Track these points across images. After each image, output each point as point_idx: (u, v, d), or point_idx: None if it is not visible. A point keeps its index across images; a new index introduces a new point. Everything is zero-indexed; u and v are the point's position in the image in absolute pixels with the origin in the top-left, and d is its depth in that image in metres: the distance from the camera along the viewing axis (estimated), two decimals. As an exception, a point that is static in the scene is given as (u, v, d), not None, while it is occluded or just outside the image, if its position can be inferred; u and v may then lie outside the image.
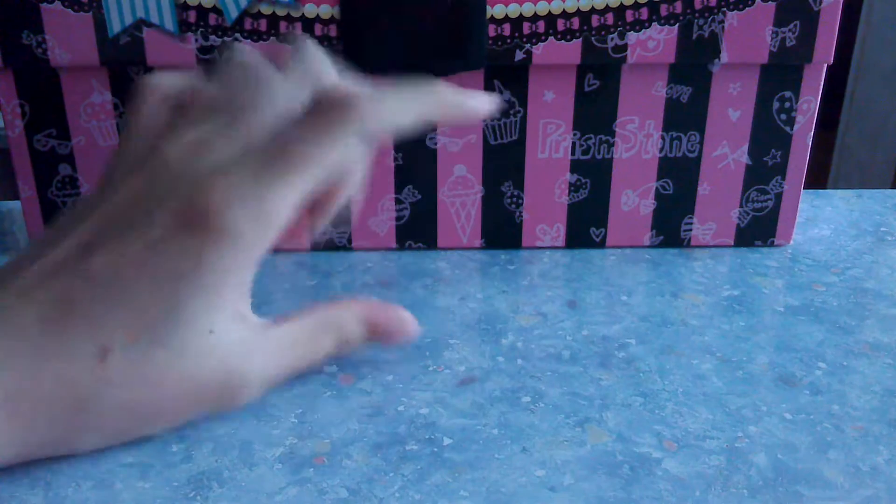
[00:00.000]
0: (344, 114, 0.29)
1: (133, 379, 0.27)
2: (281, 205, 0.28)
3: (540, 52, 0.39)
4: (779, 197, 0.43)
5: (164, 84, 0.32)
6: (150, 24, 0.38)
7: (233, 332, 0.28)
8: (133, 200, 0.28)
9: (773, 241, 0.44)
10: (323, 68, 0.32)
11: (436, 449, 0.29)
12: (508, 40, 0.39)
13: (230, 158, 0.28)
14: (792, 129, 0.42)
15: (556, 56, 0.39)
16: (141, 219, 0.28)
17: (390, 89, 0.30)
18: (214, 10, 0.38)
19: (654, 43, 0.39)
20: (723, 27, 0.39)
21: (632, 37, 0.39)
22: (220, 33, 0.38)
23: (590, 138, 0.42)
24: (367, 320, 0.32)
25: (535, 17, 0.38)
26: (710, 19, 0.39)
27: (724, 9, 0.38)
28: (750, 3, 0.38)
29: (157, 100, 0.32)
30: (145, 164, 0.29)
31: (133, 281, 0.27)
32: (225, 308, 0.28)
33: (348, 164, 0.30)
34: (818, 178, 1.75)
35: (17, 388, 0.26)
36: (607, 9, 0.38)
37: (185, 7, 0.38)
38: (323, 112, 0.29)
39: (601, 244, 0.44)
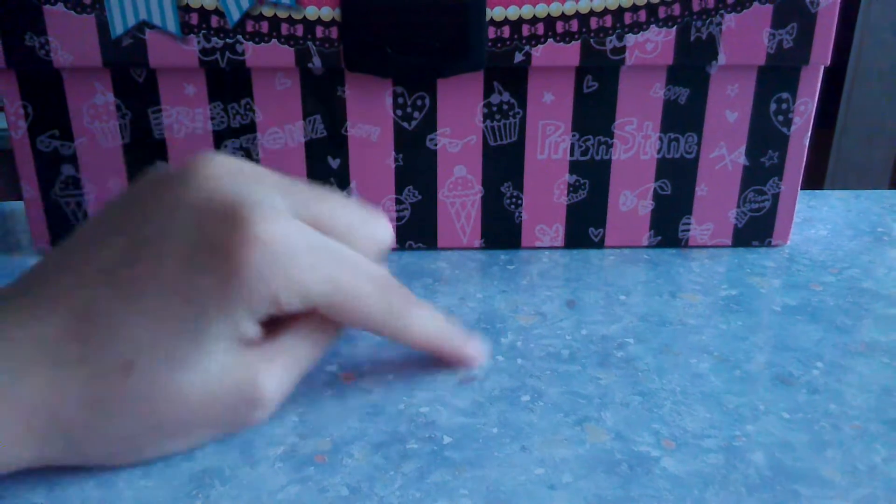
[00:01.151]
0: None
1: (155, 394, 0.27)
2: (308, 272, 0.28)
3: (539, 54, 0.39)
4: (776, 197, 0.44)
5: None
6: (152, 26, 0.38)
7: (247, 352, 0.28)
8: (166, 213, 0.28)
9: (770, 242, 0.45)
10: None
11: (436, 447, 0.29)
12: (508, 42, 0.39)
13: (269, 202, 0.28)
14: (789, 131, 0.42)
15: (555, 58, 0.39)
16: (175, 234, 0.27)
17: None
18: (216, 12, 0.38)
19: (653, 45, 0.39)
20: (720, 29, 0.39)
21: (630, 39, 0.39)
22: (221, 35, 0.38)
23: (588, 139, 0.42)
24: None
25: (535, 20, 0.38)
26: (707, 21, 0.39)
27: (722, 11, 0.39)
28: (747, 5, 0.39)
29: None
30: (176, 178, 0.29)
31: (160, 296, 0.27)
32: (241, 337, 0.28)
33: None
34: (815, 179, 1.75)
35: (38, 400, 0.26)
36: (606, 11, 0.38)
37: (188, 9, 0.38)
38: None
39: (600, 244, 0.44)
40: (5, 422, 0.25)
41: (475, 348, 0.34)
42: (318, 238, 0.29)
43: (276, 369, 0.29)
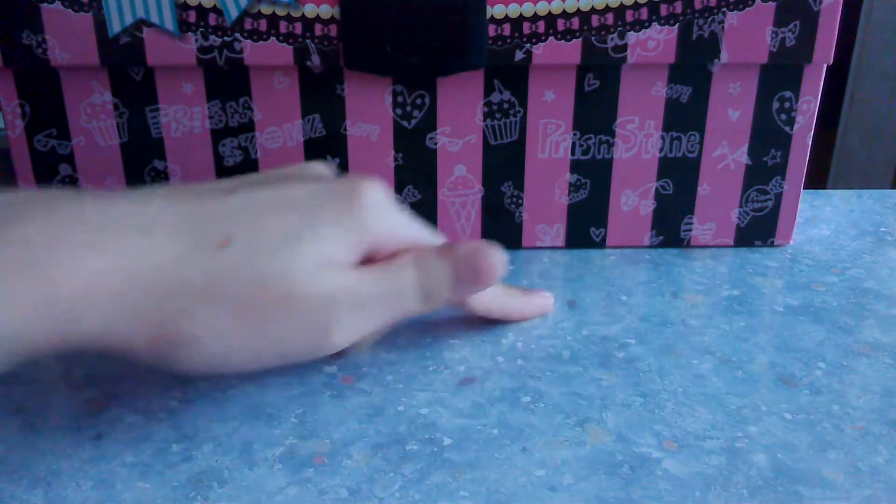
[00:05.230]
0: (483, 285, 0.32)
1: (241, 276, 0.27)
2: (404, 237, 0.31)
3: (540, 52, 0.39)
4: (778, 197, 0.43)
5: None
6: (150, 24, 0.38)
7: (334, 278, 0.29)
8: (279, 177, 0.31)
9: (772, 241, 0.45)
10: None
11: (436, 449, 0.29)
12: (508, 40, 0.39)
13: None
14: (792, 129, 0.42)
15: (556, 56, 0.39)
16: (296, 181, 0.30)
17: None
18: (214, 10, 0.38)
19: (654, 43, 0.39)
20: (723, 27, 0.39)
21: (632, 37, 0.39)
22: (219, 33, 0.38)
23: (590, 138, 0.42)
24: (445, 248, 0.32)
25: (535, 18, 0.38)
26: (709, 19, 0.39)
27: (724, 9, 0.38)
28: (750, 3, 0.38)
29: None
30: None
31: (274, 208, 0.29)
32: (340, 257, 0.29)
33: None
34: (818, 179, 1.75)
35: (115, 265, 0.26)
36: (607, 9, 0.38)
37: (185, 7, 0.38)
38: (470, 278, 0.32)
39: (601, 244, 0.44)
40: (66, 288, 0.25)
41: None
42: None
43: (354, 318, 0.29)
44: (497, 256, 0.32)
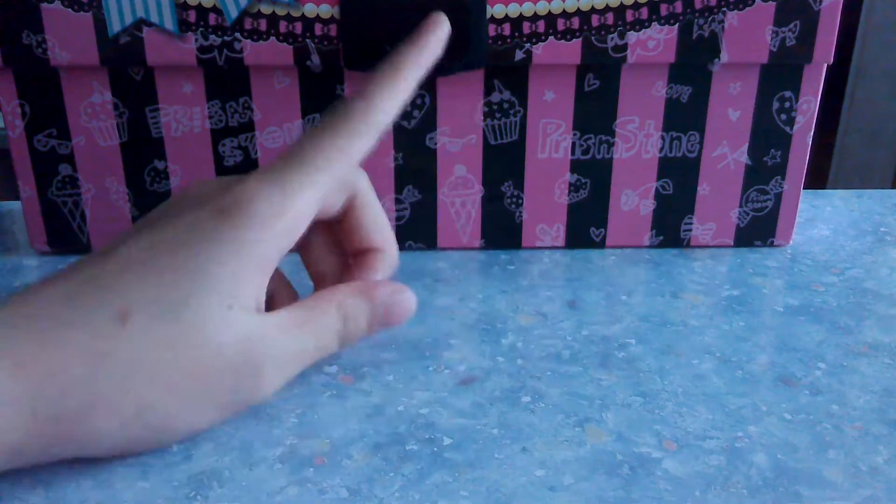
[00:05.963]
0: (361, 120, 0.32)
1: (150, 342, 0.27)
2: (301, 200, 0.30)
3: (540, 51, 0.39)
4: (778, 197, 0.43)
5: None
6: (149, 24, 0.38)
7: (251, 320, 0.29)
8: (172, 206, 0.30)
9: (772, 242, 0.44)
10: None
11: (436, 449, 0.29)
12: (508, 40, 0.39)
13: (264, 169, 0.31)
14: (792, 129, 0.42)
15: (557, 56, 0.39)
16: (179, 213, 0.29)
17: (385, 79, 0.33)
18: (214, 9, 0.38)
19: (654, 43, 0.39)
20: (723, 27, 0.39)
21: (632, 36, 0.39)
22: (219, 33, 0.38)
23: (590, 138, 0.42)
24: (366, 293, 0.32)
25: (535, 17, 0.38)
26: (710, 19, 0.39)
27: (725, 8, 0.38)
28: (750, 2, 0.38)
29: None
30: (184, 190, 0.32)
31: (162, 260, 0.28)
32: (243, 292, 0.28)
33: (353, 176, 0.33)
34: (818, 179, 1.75)
35: (31, 353, 0.26)
36: (607, 8, 0.38)
37: (185, 6, 0.38)
38: (343, 118, 0.32)
39: (601, 244, 0.44)
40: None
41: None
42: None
43: (282, 346, 0.29)
44: (413, 301, 0.33)
